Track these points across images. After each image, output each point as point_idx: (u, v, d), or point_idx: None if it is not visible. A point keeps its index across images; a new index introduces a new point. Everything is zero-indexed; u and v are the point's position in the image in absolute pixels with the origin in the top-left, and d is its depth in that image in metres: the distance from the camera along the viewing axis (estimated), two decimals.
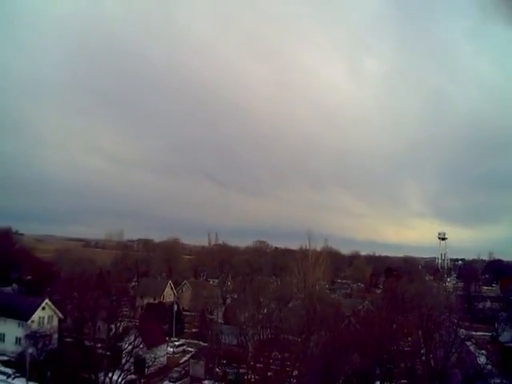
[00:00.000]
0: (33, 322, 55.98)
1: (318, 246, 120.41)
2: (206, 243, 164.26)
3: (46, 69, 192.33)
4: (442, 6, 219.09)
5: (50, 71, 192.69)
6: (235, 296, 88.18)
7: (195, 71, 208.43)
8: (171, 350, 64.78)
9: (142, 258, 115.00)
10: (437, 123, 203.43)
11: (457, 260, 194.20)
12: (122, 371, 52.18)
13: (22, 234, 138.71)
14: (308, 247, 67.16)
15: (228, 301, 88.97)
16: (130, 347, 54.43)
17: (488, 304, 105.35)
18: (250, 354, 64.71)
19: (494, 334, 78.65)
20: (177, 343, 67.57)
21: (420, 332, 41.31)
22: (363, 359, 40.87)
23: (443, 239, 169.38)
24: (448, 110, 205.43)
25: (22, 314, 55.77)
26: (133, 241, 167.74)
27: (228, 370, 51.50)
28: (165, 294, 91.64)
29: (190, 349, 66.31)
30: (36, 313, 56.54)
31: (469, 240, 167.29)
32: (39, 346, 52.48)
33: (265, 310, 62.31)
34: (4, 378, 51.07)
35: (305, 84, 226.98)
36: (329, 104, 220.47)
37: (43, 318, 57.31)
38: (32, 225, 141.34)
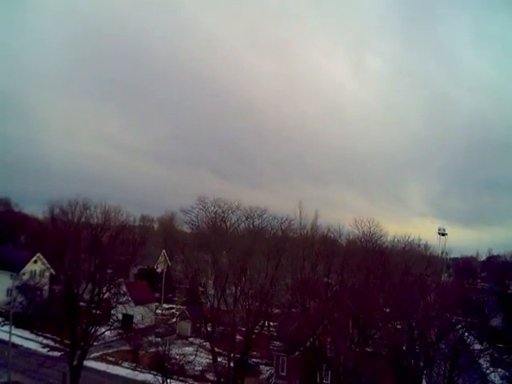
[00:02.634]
0: (24, 274, 56.89)
1: (316, 235, 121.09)
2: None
3: (52, 55, 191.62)
4: (446, 7, 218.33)
5: (56, 57, 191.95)
6: (228, 270, 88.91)
7: (201, 63, 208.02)
8: (160, 312, 66.04)
9: (139, 231, 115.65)
10: (440, 123, 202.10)
11: (457, 259, 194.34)
12: (110, 326, 53.72)
13: None
14: (299, 222, 66.68)
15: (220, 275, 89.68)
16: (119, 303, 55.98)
17: (482, 297, 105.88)
18: (237, 319, 66.24)
19: (484, 319, 79.99)
20: (166, 306, 68.87)
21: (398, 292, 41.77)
22: (342, 316, 41.75)
23: (443, 235, 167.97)
24: (451, 110, 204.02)
25: (13, 266, 56.62)
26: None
27: (211, 328, 52.27)
28: (158, 263, 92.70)
29: (178, 312, 67.49)
30: (28, 265, 57.53)
31: (471, 241, 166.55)
32: (29, 296, 53.67)
33: (258, 286, 63.11)
34: None
35: (309, 80, 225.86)
36: (333, 100, 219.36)
37: (35, 271, 58.24)
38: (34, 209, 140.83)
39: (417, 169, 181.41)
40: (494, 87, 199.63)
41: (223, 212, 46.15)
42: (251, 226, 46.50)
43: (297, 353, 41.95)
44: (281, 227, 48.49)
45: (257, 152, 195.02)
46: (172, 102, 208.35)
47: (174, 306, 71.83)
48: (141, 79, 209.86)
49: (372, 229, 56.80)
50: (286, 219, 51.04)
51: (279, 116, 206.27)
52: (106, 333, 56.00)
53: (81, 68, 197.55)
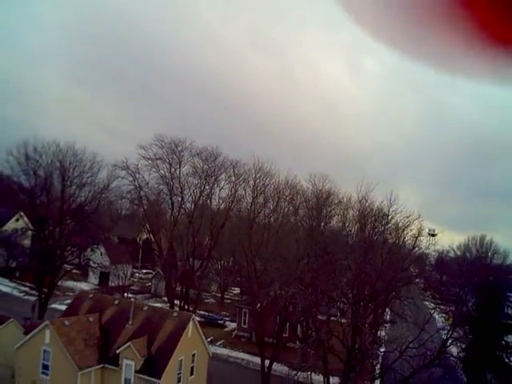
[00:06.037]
0: (6, 231, 58.85)
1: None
2: None
3: (50, 41, 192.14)
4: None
5: (55, 44, 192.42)
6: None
7: (200, 58, 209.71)
8: (138, 275, 68.58)
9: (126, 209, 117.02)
10: (435, 129, 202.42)
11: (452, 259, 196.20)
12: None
13: None
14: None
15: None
16: (97, 262, 58.68)
17: (461, 289, 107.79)
18: (212, 285, 68.99)
19: (459, 306, 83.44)
20: (144, 271, 71.35)
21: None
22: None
23: (433, 235, 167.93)
24: (446, 116, 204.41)
25: None
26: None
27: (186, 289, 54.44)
28: (141, 236, 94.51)
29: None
30: (10, 222, 59.46)
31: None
32: (10, 250, 55.91)
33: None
34: None
35: (306, 78, 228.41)
36: (329, 100, 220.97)
37: (16, 229, 59.93)
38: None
39: (410, 172, 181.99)
40: (488, 93, 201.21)
41: (177, 149, 47.46)
42: (205, 166, 48.07)
43: (258, 305, 44.14)
44: (233, 170, 48.93)
45: (253, 147, 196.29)
46: (170, 95, 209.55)
47: (152, 271, 74.21)
48: (139, 70, 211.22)
49: (326, 185, 55.01)
50: (238, 162, 50.71)
51: (276, 113, 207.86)
52: (83, 287, 59.27)
53: (80, 57, 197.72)
